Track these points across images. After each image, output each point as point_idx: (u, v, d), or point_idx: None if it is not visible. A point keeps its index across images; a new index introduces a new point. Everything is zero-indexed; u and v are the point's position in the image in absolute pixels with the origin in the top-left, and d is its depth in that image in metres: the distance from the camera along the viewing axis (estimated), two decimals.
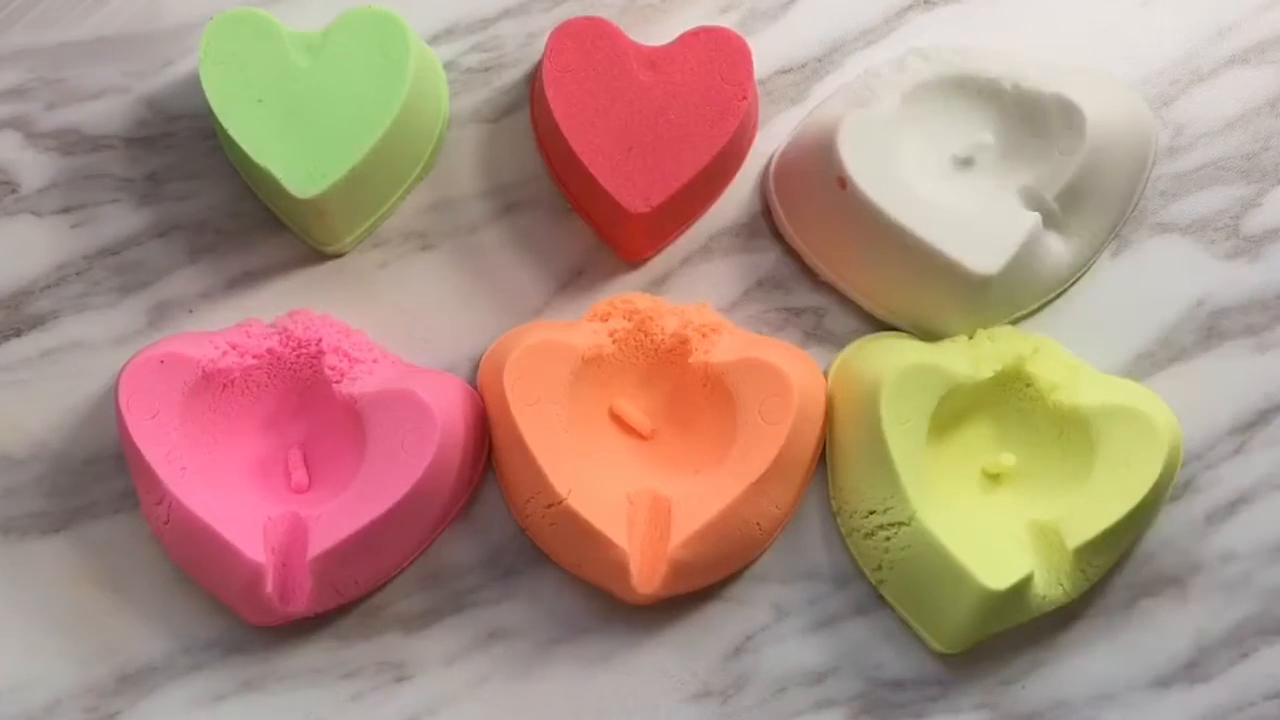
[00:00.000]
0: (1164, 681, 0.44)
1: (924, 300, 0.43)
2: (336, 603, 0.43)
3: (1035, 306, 0.44)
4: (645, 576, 0.42)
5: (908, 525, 0.42)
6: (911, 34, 0.47)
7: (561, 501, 0.42)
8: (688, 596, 0.44)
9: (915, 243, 0.43)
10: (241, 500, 0.42)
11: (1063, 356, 0.44)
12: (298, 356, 0.44)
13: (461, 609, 0.44)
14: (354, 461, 0.43)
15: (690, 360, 0.43)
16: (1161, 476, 0.42)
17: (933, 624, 0.43)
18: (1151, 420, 0.42)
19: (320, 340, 0.43)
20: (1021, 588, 0.41)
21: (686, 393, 0.44)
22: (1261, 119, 0.48)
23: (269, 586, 0.41)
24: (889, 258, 0.43)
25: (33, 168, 0.45)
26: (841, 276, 0.45)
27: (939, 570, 0.41)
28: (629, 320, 0.44)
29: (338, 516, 0.42)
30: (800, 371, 0.43)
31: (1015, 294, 0.43)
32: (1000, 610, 0.41)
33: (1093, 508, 0.42)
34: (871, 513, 0.43)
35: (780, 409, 0.42)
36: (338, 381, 0.43)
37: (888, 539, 0.42)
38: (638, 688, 0.44)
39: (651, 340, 0.44)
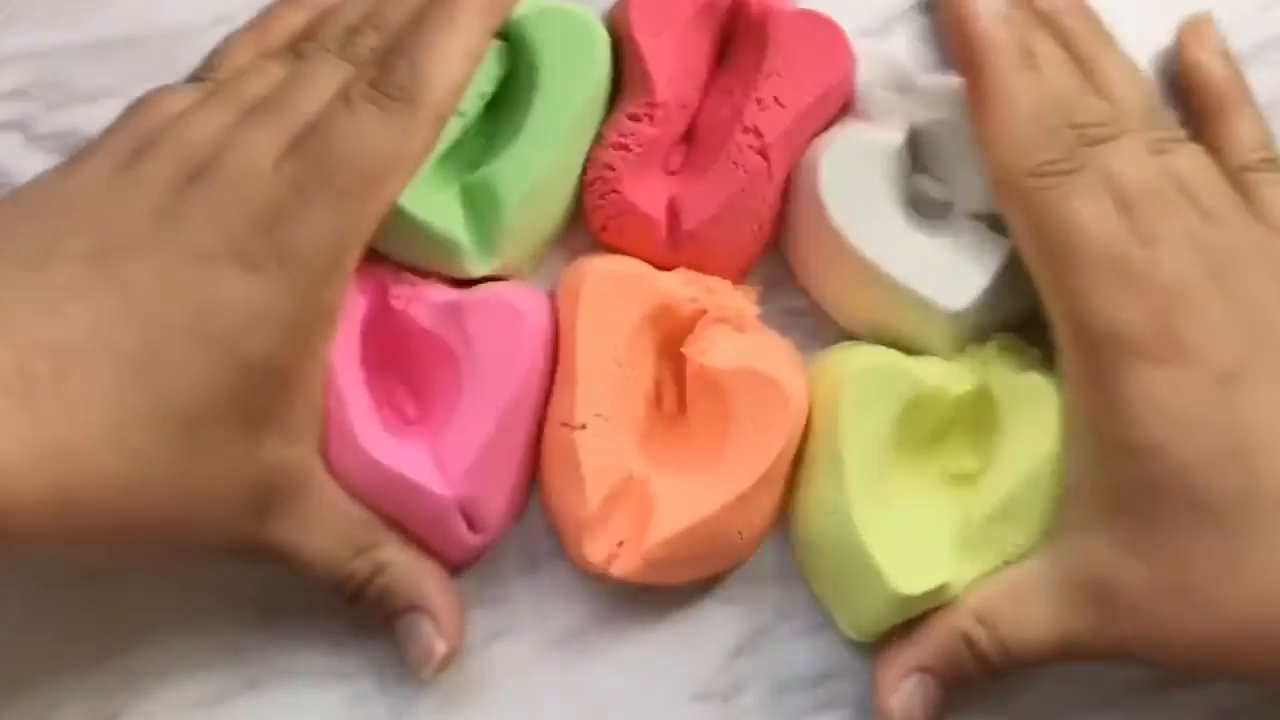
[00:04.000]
0: (1163, 683, 0.44)
1: (900, 328, 0.43)
2: (499, 532, 0.43)
3: (1019, 323, 0.44)
4: (597, 547, 0.41)
5: (836, 515, 0.41)
6: (911, 34, 0.47)
7: (574, 428, 0.41)
8: (687, 596, 0.44)
9: (885, 277, 0.42)
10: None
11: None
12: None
13: (461, 609, 0.44)
14: (444, 381, 0.42)
15: (685, 354, 0.42)
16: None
17: (845, 612, 0.42)
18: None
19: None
20: (936, 592, 0.41)
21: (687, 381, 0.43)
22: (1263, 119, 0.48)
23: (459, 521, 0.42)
24: (861, 288, 0.43)
25: (33, 169, 0.45)
26: (822, 294, 0.45)
27: (856, 565, 0.41)
28: (706, 293, 0.43)
29: (462, 437, 0.41)
30: (797, 381, 0.42)
31: (997, 315, 0.42)
32: (914, 606, 0.41)
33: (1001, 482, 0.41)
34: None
35: (776, 422, 0.42)
36: (404, 307, 0.43)
37: (821, 527, 0.42)
38: (638, 688, 0.44)
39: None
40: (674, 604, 0.44)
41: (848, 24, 0.44)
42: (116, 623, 0.44)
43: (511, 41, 0.43)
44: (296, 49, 0.43)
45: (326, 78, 0.41)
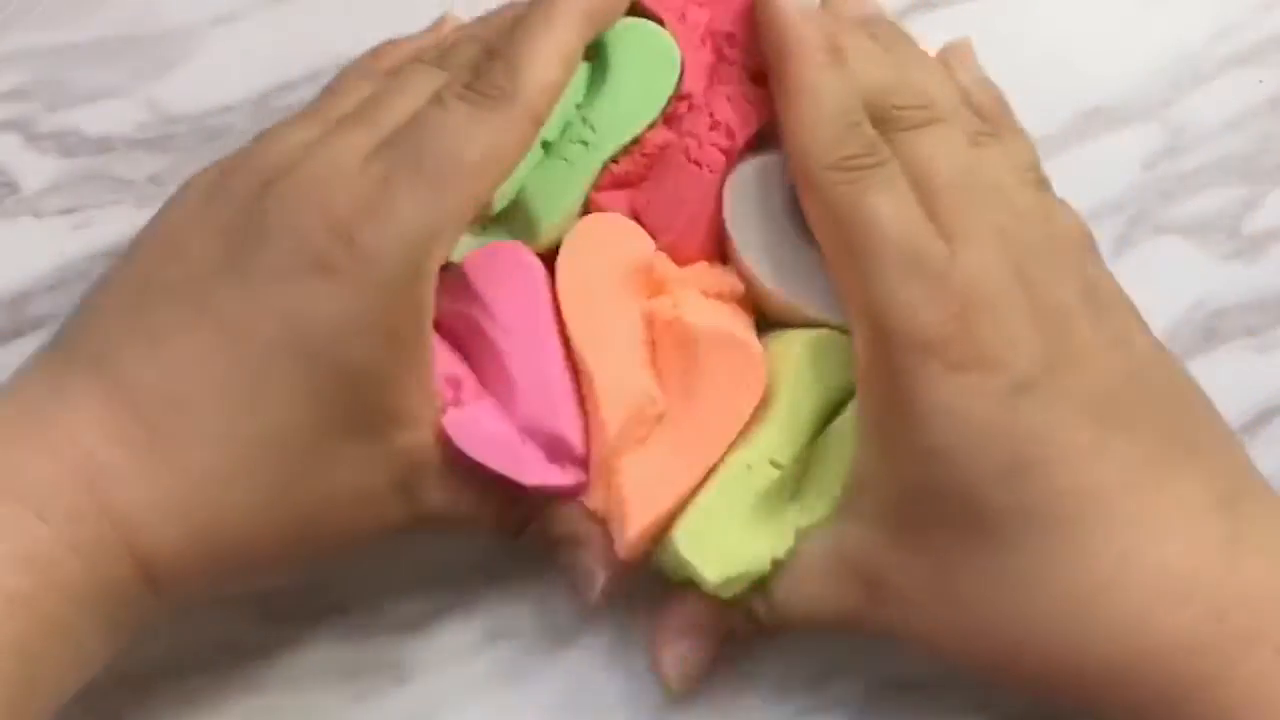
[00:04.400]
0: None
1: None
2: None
3: None
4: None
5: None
6: (911, 34, 0.47)
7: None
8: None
9: (789, 306, 0.42)
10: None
11: None
12: None
13: (461, 609, 0.44)
14: (480, 351, 0.42)
15: (655, 306, 0.41)
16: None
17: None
18: None
19: None
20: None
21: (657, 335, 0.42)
22: (1262, 120, 0.48)
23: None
24: (777, 312, 0.42)
25: (33, 169, 0.46)
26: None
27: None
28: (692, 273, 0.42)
29: (532, 399, 0.41)
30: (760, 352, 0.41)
31: None
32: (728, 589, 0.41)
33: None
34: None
35: (748, 386, 0.40)
36: None
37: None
38: (638, 688, 0.44)
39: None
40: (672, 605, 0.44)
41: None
42: None
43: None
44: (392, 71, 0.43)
45: (421, 84, 0.40)
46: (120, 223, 0.46)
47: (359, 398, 0.38)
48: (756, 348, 0.41)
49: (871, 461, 0.39)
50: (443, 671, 0.44)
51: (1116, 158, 0.47)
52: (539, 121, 0.40)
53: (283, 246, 0.37)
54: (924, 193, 0.39)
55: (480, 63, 0.40)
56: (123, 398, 0.37)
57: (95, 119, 0.45)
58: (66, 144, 0.46)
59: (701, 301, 0.42)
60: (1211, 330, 0.46)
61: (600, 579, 0.41)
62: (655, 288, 0.42)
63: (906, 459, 0.38)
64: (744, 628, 0.41)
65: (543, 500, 0.41)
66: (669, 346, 0.41)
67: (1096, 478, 0.37)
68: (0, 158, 0.46)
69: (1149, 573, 0.37)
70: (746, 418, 0.40)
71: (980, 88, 0.44)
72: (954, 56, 0.45)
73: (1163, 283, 0.46)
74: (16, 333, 0.46)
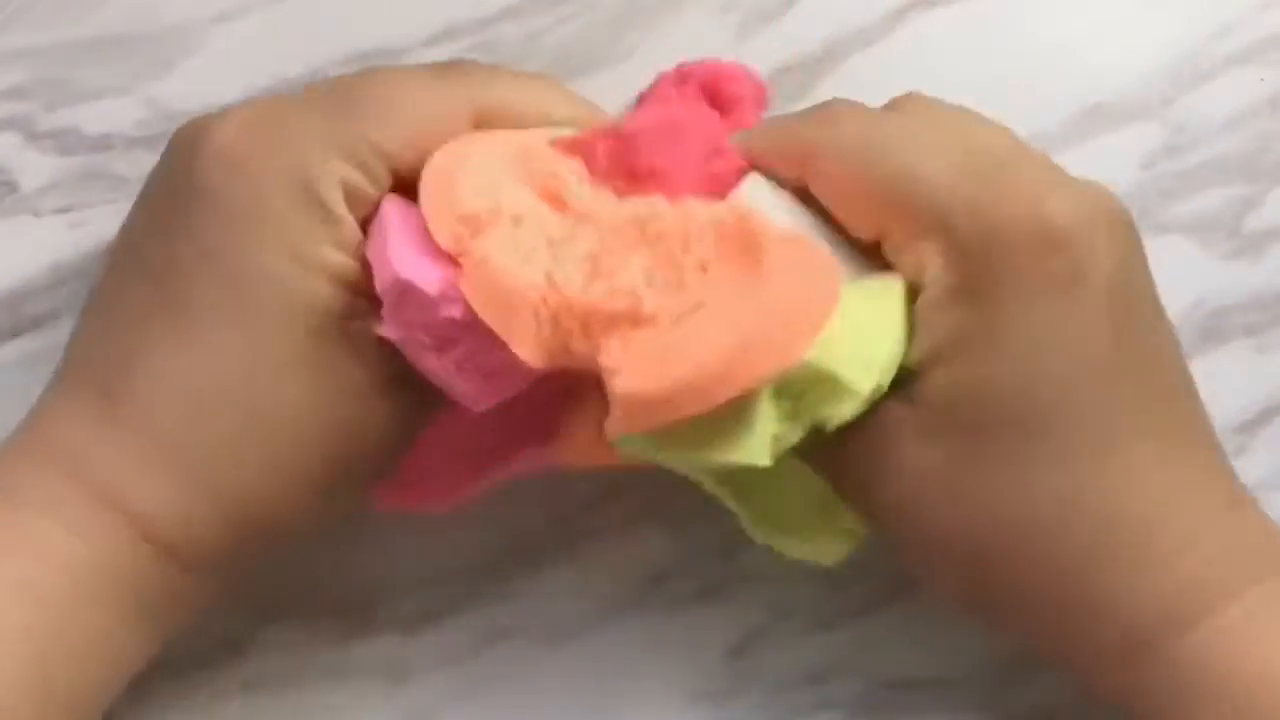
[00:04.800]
0: None
1: None
2: None
3: None
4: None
5: None
6: (912, 34, 0.47)
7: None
8: (687, 597, 0.44)
9: None
10: None
11: None
12: None
13: (461, 609, 0.44)
14: None
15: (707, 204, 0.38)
16: None
17: None
18: None
19: None
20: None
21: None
22: (1262, 119, 0.48)
23: None
24: None
25: (32, 168, 0.45)
26: None
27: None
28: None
29: None
30: None
31: None
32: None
33: None
34: None
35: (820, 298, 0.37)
36: None
37: None
38: (638, 688, 0.44)
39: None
40: (674, 603, 0.44)
41: (848, 23, 0.44)
42: None
43: None
44: None
45: None
46: (119, 221, 0.46)
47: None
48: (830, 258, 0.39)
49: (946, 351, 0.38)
50: (443, 671, 0.44)
51: (1116, 156, 0.47)
52: None
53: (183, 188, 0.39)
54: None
55: None
56: (90, 377, 0.38)
57: (95, 118, 0.45)
58: (66, 143, 0.46)
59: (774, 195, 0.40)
60: (1211, 329, 0.46)
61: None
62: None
63: (982, 354, 0.37)
64: None
65: None
66: (725, 249, 0.38)
67: (1133, 413, 0.37)
68: (0, 157, 0.46)
69: (1153, 505, 0.37)
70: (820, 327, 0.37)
71: None
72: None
73: (1162, 281, 0.46)
74: (14, 332, 0.46)
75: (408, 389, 0.39)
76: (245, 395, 0.38)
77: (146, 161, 0.46)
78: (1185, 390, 0.39)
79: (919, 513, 0.38)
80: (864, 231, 0.39)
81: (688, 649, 0.44)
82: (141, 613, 0.38)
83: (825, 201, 0.39)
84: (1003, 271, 0.37)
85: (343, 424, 0.39)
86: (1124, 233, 0.38)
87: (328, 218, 0.38)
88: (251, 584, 0.43)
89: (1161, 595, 0.37)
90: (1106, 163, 0.45)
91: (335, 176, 0.38)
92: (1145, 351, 0.38)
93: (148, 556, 0.37)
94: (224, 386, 0.38)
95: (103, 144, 0.47)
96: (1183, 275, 0.46)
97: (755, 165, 0.40)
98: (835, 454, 0.39)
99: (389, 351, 0.38)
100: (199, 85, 0.46)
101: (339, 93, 0.39)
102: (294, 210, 0.38)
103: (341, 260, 0.38)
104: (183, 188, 0.39)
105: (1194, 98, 0.48)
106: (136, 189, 0.46)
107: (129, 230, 0.41)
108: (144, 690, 0.44)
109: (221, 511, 0.38)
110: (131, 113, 0.47)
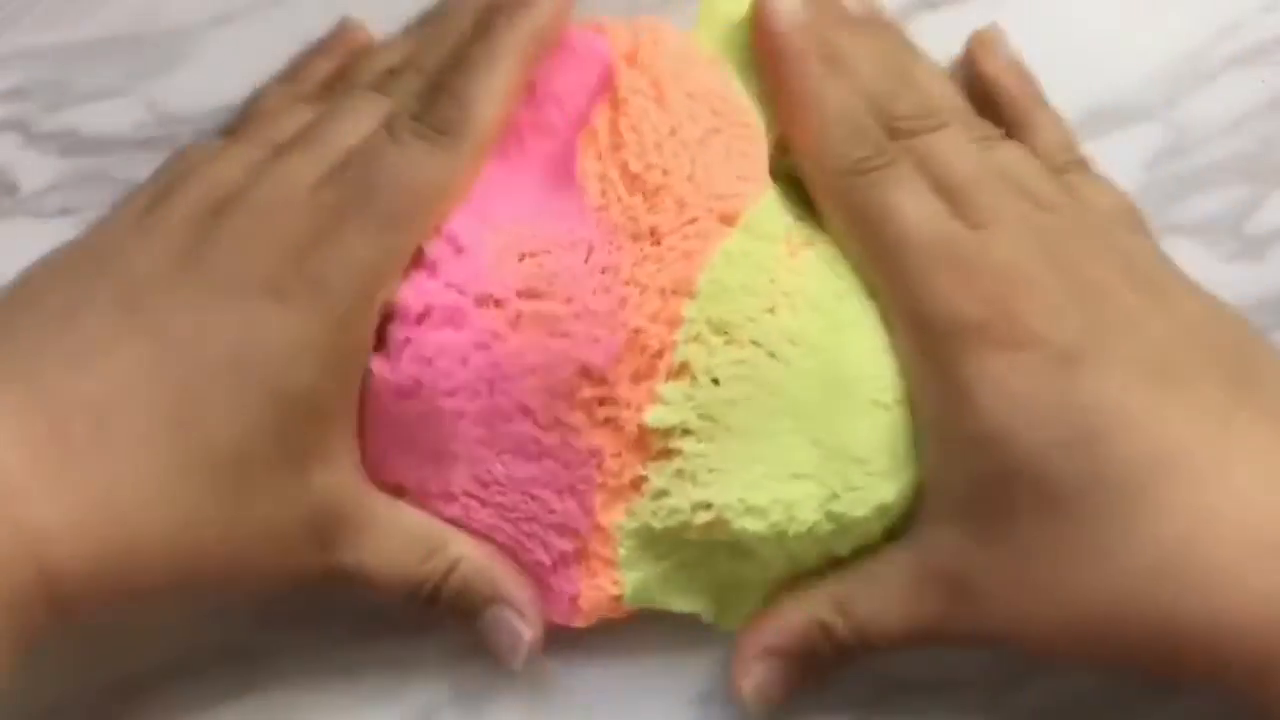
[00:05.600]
0: (1166, 684, 0.43)
1: None
2: None
3: None
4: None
5: None
6: (914, 34, 0.47)
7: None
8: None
9: None
10: None
11: None
12: None
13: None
14: None
15: None
16: None
17: None
18: None
19: None
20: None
21: None
22: (1265, 121, 0.48)
23: None
24: None
25: (32, 169, 0.46)
26: None
27: None
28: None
29: None
30: None
31: None
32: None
33: None
34: None
35: None
36: None
37: None
38: (638, 688, 0.43)
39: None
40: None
41: None
42: (115, 624, 0.44)
43: None
44: (331, 91, 0.43)
45: (366, 112, 0.41)
46: None
47: (291, 425, 0.38)
48: None
49: (937, 461, 0.39)
50: (443, 671, 0.44)
51: (1119, 158, 0.47)
52: (484, 156, 0.40)
53: (234, 267, 0.38)
54: (943, 190, 0.39)
55: (426, 94, 0.40)
56: (41, 409, 0.36)
57: (95, 119, 0.45)
58: (65, 144, 0.46)
59: None
60: None
61: (527, 639, 0.41)
62: None
63: (969, 449, 0.38)
64: (825, 648, 0.40)
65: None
66: None
67: (1160, 438, 0.37)
68: (0, 157, 0.46)
69: (1230, 526, 0.36)
70: None
71: (1009, 74, 0.45)
72: (982, 45, 0.46)
73: None
74: None
75: (331, 552, 0.40)
76: (204, 483, 0.37)
77: (146, 163, 0.46)
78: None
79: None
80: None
81: (689, 649, 0.44)
82: (12, 637, 0.36)
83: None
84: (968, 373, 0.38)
85: (269, 555, 0.39)
86: None
87: None
88: None
89: None
90: (1110, 164, 0.45)
91: None
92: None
93: (36, 592, 0.35)
94: (191, 463, 0.37)
95: (103, 145, 0.47)
96: None
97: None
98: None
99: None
100: (198, 86, 0.46)
101: None
102: None
103: None
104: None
105: (1196, 100, 0.48)
106: None
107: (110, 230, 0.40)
108: (144, 690, 0.44)
109: (120, 573, 0.36)
110: (131, 114, 0.47)
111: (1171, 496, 0.36)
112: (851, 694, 0.43)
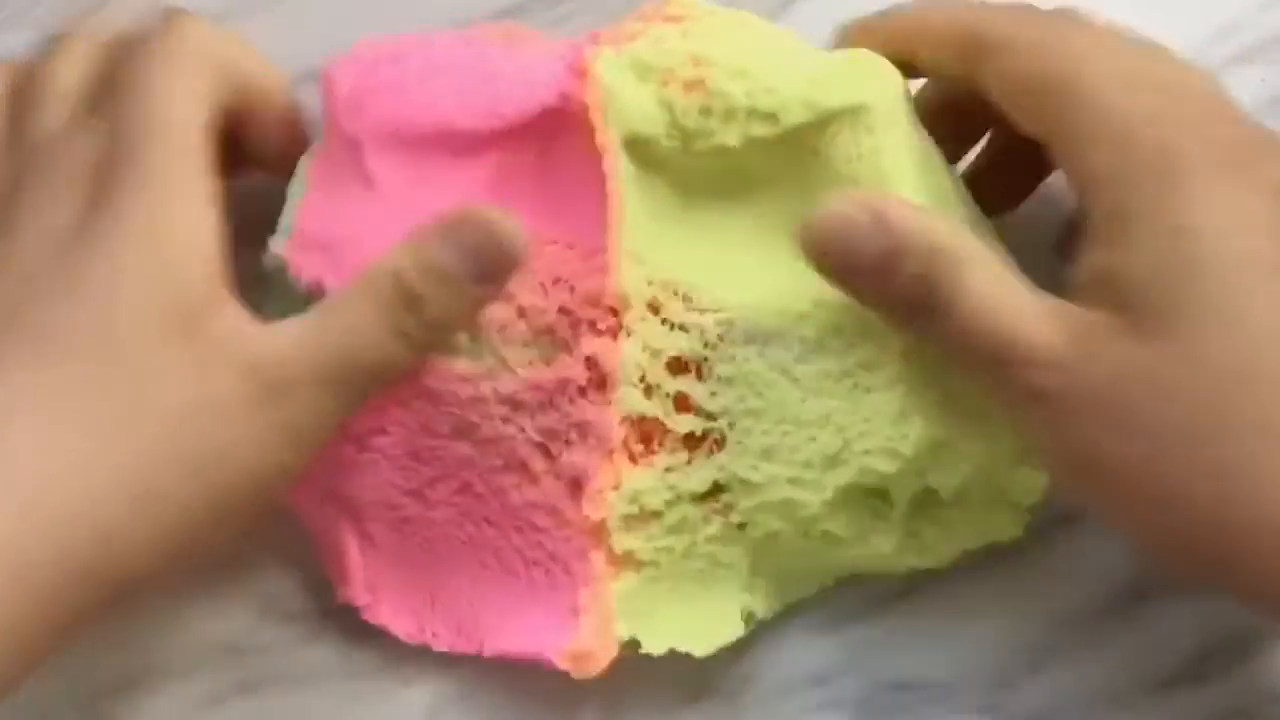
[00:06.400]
0: (1168, 683, 0.43)
1: None
2: None
3: None
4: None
5: None
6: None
7: None
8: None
9: None
10: None
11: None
12: None
13: None
14: None
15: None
16: None
17: None
18: None
19: None
20: None
21: None
22: (1265, 119, 0.47)
23: None
24: None
25: None
26: None
27: None
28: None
29: None
30: None
31: None
32: None
33: None
34: None
35: None
36: None
37: None
38: (638, 689, 0.43)
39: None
40: None
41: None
42: (113, 623, 0.44)
43: None
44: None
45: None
46: None
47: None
48: None
49: (1123, 250, 0.37)
50: (443, 671, 0.44)
51: None
52: None
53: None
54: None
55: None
56: None
57: None
58: None
59: None
60: None
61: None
62: None
63: (1167, 240, 0.37)
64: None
65: None
66: None
67: None
68: None
69: None
70: None
71: None
72: None
73: None
74: None
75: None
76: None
77: None
78: None
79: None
80: (1032, 130, 0.39)
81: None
82: None
83: (994, 97, 0.40)
84: (1181, 175, 0.37)
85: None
86: None
87: None
88: (252, 584, 0.44)
89: None
90: None
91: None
92: None
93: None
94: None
95: None
96: None
97: (917, 42, 0.42)
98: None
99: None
100: None
101: None
102: None
103: None
104: None
105: None
106: None
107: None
108: (144, 690, 0.44)
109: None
110: None
111: None
112: (849, 693, 0.43)
